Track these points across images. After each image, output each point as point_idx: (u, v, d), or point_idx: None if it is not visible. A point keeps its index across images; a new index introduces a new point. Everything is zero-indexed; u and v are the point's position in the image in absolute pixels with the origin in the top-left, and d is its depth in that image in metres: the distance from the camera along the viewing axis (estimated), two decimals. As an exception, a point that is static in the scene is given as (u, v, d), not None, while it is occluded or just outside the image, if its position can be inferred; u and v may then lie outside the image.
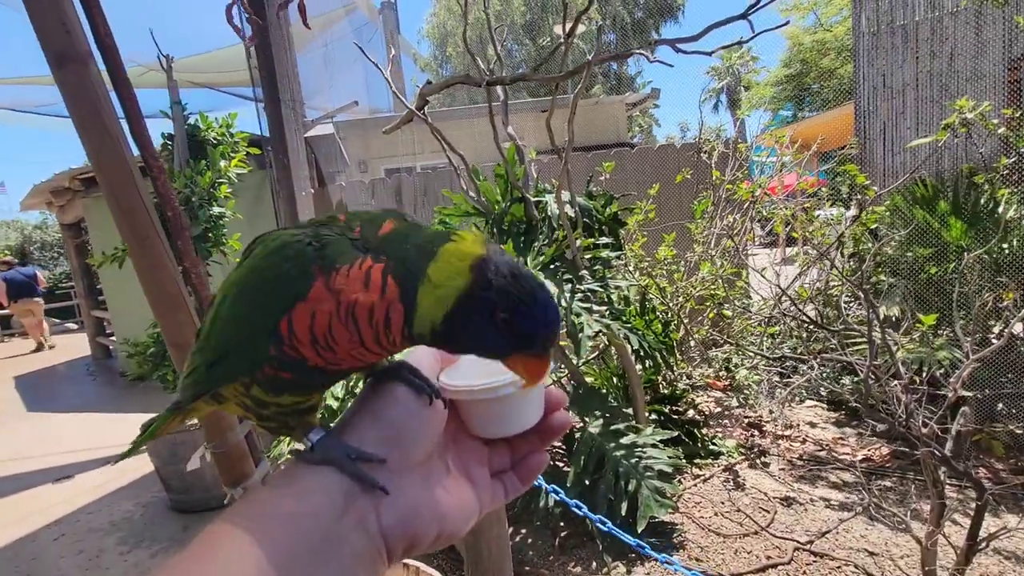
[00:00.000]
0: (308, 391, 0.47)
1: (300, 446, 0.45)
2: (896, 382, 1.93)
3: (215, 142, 3.33)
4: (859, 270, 3.02)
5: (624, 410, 2.93)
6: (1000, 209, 3.21)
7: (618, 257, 3.15)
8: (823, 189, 5.23)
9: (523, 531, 2.82)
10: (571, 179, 3.05)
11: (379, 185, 6.10)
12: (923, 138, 3.64)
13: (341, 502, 0.39)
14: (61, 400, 6.77)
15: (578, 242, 2.83)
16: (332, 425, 0.46)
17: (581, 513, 1.96)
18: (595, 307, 2.70)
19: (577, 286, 2.73)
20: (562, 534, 2.75)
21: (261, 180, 6.00)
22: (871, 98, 4.25)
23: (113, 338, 8.11)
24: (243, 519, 0.37)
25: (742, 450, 3.47)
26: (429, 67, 27.14)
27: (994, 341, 2.40)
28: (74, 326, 13.14)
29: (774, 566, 2.42)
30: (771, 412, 3.83)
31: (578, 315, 2.58)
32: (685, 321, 4.07)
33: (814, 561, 2.43)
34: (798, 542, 2.55)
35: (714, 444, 3.45)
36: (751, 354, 4.03)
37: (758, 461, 3.35)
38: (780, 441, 3.58)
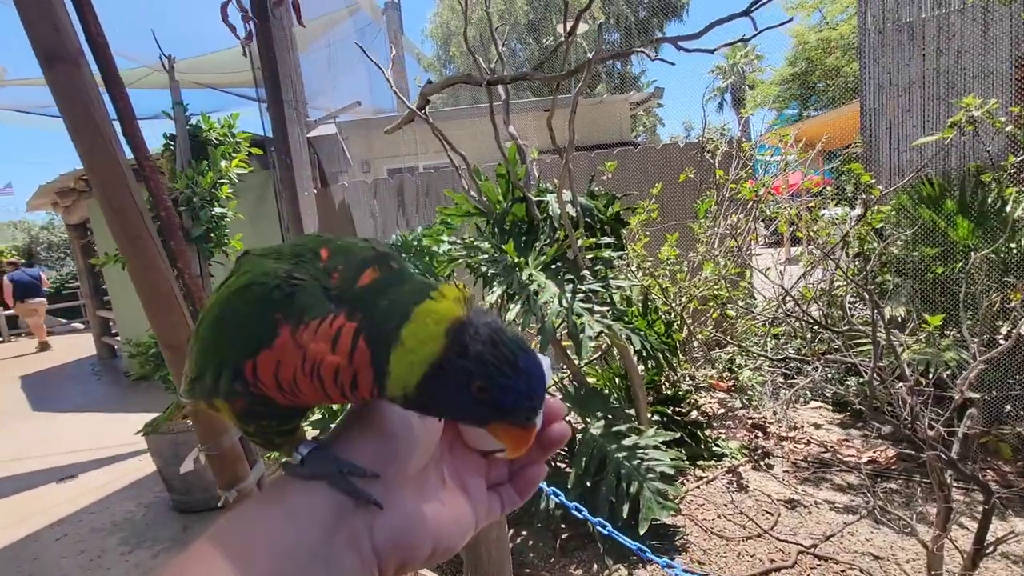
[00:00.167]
0: (286, 422, 0.45)
1: (290, 459, 0.44)
2: (901, 384, 1.91)
3: (217, 142, 3.33)
4: (864, 270, 2.99)
5: (626, 411, 2.91)
6: (1008, 208, 3.17)
7: (620, 257, 3.13)
8: (828, 188, 5.19)
9: (523, 533, 2.80)
10: (573, 178, 3.03)
11: (381, 185, 6.10)
12: (929, 136, 3.60)
13: (332, 520, 0.37)
14: (66, 400, 6.80)
15: (580, 242, 2.81)
16: (322, 437, 0.44)
17: (581, 516, 1.94)
18: (597, 307, 2.67)
19: (579, 286, 2.71)
20: (563, 536, 2.73)
21: (264, 180, 6.00)
22: (877, 96, 4.21)
23: (118, 338, 8.15)
24: (226, 542, 0.35)
25: (745, 452, 3.44)
26: (432, 67, 27.18)
27: (1002, 342, 2.36)
28: (80, 326, 13.24)
29: (777, 570, 2.39)
30: (775, 413, 3.80)
31: (580, 316, 2.56)
32: (688, 322, 4.05)
33: (818, 565, 2.41)
34: (802, 545, 2.52)
35: (717, 446, 3.42)
36: (755, 355, 4.00)
37: (762, 463, 3.32)
38: (784, 443, 3.55)
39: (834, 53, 14.81)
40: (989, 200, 3.28)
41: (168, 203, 1.32)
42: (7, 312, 11.72)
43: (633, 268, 3.85)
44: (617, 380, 3.38)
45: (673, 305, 3.98)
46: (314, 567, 0.35)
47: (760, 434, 3.71)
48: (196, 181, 3.11)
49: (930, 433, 1.76)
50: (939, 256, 3.38)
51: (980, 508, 1.80)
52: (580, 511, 1.95)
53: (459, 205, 3.21)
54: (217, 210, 3.20)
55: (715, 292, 4.09)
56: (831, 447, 3.44)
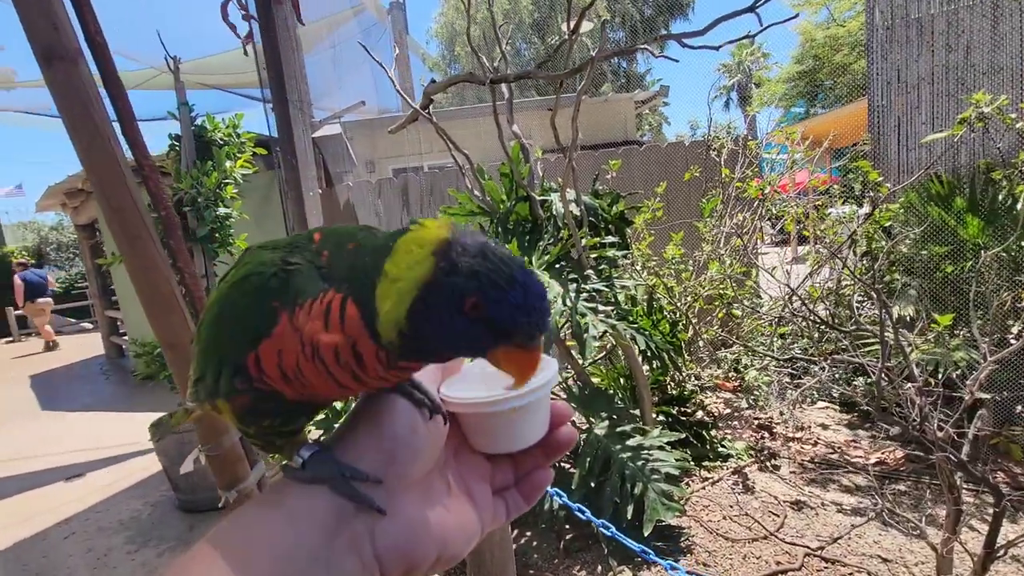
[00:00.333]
0: (291, 421, 0.43)
1: (291, 462, 0.43)
2: (910, 384, 1.88)
3: (222, 143, 3.35)
4: (872, 269, 2.95)
5: (631, 411, 2.90)
6: (1019, 206, 3.12)
7: (624, 256, 3.11)
8: (835, 186, 5.15)
9: (527, 534, 2.79)
10: (577, 177, 3.02)
11: (386, 185, 6.11)
12: (938, 133, 3.55)
13: (333, 524, 0.37)
14: (75, 399, 6.86)
15: (584, 241, 2.80)
16: (324, 440, 0.43)
17: (584, 517, 1.93)
18: (601, 307, 2.66)
19: (583, 286, 2.69)
20: (567, 537, 2.72)
21: (270, 181, 6.03)
22: (885, 93, 4.16)
23: (126, 338, 8.21)
24: (226, 545, 0.35)
25: (752, 452, 3.41)
26: (438, 67, 27.19)
27: (1013, 342, 2.32)
28: (89, 325, 13.37)
29: (784, 572, 2.37)
30: (781, 414, 3.76)
31: (584, 315, 2.55)
32: (693, 321, 4.03)
33: (825, 567, 2.38)
34: (809, 547, 2.49)
35: (723, 446, 3.39)
36: (761, 355, 3.97)
37: (768, 464, 3.29)
38: (791, 443, 3.52)
39: (842, 50, 14.69)
40: (1000, 198, 3.23)
41: (168, 203, 1.31)
42: (17, 312, 11.92)
43: (638, 267, 3.83)
44: (622, 380, 3.36)
45: (678, 305, 3.95)
46: (314, 570, 0.35)
47: (766, 435, 3.68)
48: (201, 181, 3.13)
49: (939, 434, 1.74)
50: (948, 255, 3.33)
51: (990, 510, 1.77)
52: (583, 512, 1.93)
53: (463, 204, 3.20)
54: (222, 210, 3.22)
55: (721, 291, 4.06)
56: (838, 448, 3.40)
